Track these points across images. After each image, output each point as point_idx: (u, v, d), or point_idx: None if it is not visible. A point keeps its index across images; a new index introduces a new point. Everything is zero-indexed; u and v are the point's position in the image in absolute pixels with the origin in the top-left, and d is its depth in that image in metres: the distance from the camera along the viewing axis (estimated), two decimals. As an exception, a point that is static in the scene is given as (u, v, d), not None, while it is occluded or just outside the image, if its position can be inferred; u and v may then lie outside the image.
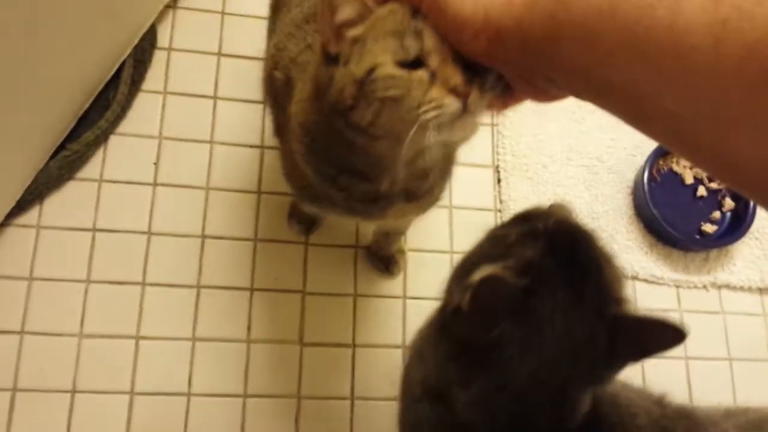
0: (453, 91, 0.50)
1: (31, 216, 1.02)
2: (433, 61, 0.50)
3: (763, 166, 0.31)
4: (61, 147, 1.03)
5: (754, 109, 0.30)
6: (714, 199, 1.25)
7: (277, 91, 0.79)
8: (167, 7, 1.16)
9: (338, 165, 0.64)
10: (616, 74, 0.36)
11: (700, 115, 0.32)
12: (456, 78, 0.49)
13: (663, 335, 0.51)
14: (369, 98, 0.53)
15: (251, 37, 1.20)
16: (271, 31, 0.90)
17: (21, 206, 1.00)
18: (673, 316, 1.28)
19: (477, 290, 0.49)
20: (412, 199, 0.69)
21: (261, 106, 1.16)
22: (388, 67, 0.51)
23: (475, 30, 0.43)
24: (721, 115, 0.31)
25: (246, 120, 1.15)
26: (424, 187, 0.68)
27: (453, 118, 0.51)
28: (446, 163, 0.70)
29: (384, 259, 1.10)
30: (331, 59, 0.56)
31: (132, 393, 0.97)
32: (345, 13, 0.54)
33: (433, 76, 0.51)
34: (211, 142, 1.12)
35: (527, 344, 0.50)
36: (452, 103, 0.50)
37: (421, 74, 0.51)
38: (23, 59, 0.87)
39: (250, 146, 1.13)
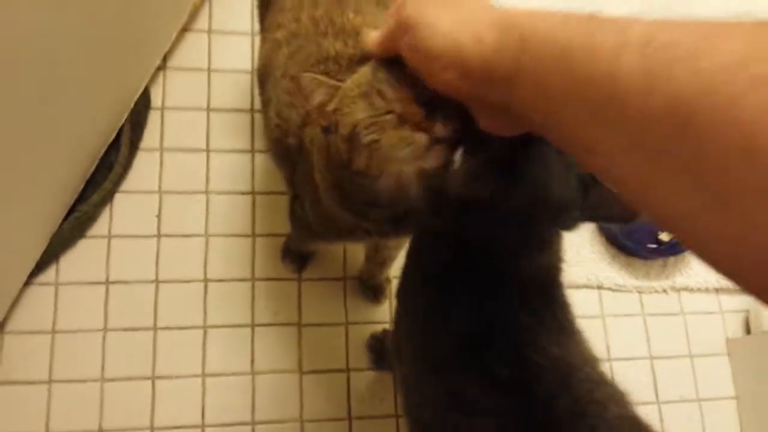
0: (418, 126, 0.59)
1: (49, 275, 1.13)
2: (397, 107, 0.61)
3: (691, 217, 0.34)
4: (72, 209, 1.14)
5: (680, 159, 0.33)
6: (669, 210, 1.36)
7: (290, 155, 0.90)
8: (158, 69, 1.26)
9: (367, 204, 0.74)
10: (565, 117, 0.40)
11: (636, 162, 0.36)
12: (418, 116, 0.60)
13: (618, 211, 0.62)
14: (359, 148, 0.63)
15: (237, 90, 1.31)
16: (266, 100, 1.00)
17: (39, 266, 1.11)
18: (637, 321, 1.39)
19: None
20: None
21: (250, 155, 1.27)
22: (365, 122, 0.62)
23: (445, 64, 0.48)
24: (656, 165, 0.34)
25: (237, 169, 1.26)
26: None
27: (424, 149, 0.60)
28: None
29: (373, 287, 1.21)
30: (325, 129, 0.68)
31: (152, 428, 1.08)
32: (317, 98, 0.66)
33: (401, 119, 0.61)
34: (206, 192, 1.23)
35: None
36: (419, 138, 0.60)
37: (390, 117, 0.61)
38: (36, 135, 0.97)
39: (243, 193, 1.24)
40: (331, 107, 0.66)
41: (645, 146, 0.34)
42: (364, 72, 0.65)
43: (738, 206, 0.31)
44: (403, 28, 0.53)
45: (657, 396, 1.28)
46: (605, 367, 1.30)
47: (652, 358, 1.30)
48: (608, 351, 1.29)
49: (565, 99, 0.39)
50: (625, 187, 0.38)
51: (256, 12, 1.11)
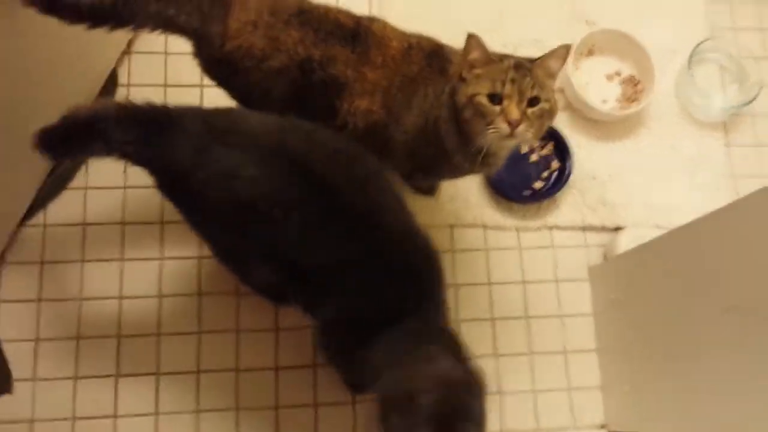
0: (509, 121, 0.93)
1: None
2: (505, 102, 0.96)
3: None
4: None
5: None
6: (544, 163, 1.53)
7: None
8: None
9: (470, 147, 1.05)
10: None
11: None
12: (513, 115, 0.96)
13: None
14: (469, 105, 0.99)
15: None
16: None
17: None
18: (514, 253, 1.65)
19: None
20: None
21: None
22: (482, 97, 0.98)
23: None
24: None
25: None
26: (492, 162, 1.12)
27: (503, 137, 0.97)
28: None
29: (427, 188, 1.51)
30: (461, 79, 1.03)
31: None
32: (473, 54, 1.01)
33: (502, 111, 0.97)
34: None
35: None
36: (504, 129, 0.96)
37: (495, 108, 0.97)
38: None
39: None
40: (476, 71, 1.01)
41: None
42: (506, 69, 0.99)
43: None
44: None
45: (527, 312, 1.55)
46: (485, 290, 1.55)
47: (525, 282, 1.55)
48: (489, 276, 1.54)
49: None
50: None
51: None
